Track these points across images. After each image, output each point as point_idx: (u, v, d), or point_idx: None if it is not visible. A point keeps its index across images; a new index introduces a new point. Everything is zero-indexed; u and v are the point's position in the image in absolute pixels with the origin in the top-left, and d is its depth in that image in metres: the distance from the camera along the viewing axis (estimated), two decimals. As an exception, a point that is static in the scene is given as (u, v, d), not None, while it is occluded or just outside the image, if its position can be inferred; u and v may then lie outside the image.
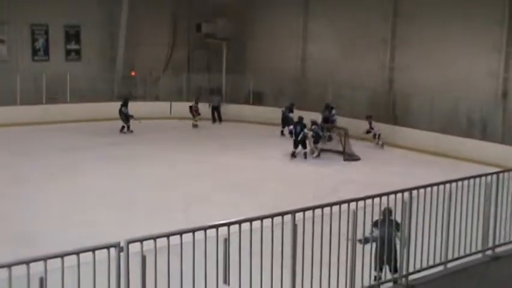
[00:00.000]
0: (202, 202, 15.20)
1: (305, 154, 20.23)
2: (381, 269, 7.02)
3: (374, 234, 8.08)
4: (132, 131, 23.73)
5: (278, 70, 27.79)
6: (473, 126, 21.90)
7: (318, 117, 23.36)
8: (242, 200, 15.03)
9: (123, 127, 23.87)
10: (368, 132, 22.94)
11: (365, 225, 6.72)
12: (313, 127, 20.83)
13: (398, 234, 7.69)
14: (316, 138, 20.84)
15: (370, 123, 22.92)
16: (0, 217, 13.55)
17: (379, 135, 22.76)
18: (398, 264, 7.27)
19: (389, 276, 7.23)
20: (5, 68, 25.38)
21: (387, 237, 7.67)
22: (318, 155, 20.80)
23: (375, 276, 6.90)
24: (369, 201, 6.69)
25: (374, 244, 7.55)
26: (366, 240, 7.64)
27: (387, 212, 8.11)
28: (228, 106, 27.13)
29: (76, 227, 12.63)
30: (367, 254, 6.84)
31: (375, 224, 8.21)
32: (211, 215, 12.40)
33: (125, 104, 24.07)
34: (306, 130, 20.35)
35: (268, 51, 28.79)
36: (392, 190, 6.88)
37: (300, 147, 20.35)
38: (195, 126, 25.76)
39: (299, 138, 20.25)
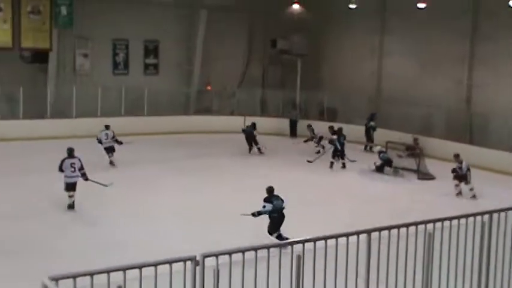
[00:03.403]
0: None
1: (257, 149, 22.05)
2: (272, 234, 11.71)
3: (266, 208, 12.32)
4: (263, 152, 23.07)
5: (353, 86, 27.57)
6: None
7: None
8: (315, 216, 14.82)
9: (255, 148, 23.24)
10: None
11: (442, 248, 6.45)
12: (381, 155, 20.87)
13: (284, 204, 12.58)
14: (389, 163, 20.73)
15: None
16: (88, 224, 13.99)
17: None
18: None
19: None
20: (88, 81, 26.36)
21: (279, 208, 12.39)
22: (398, 173, 20.66)
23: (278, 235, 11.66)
24: (446, 223, 6.46)
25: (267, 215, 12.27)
26: (258, 213, 12.43)
27: (272, 189, 12.86)
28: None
29: (152, 238, 12.75)
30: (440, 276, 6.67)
31: (266, 200, 12.51)
32: (285, 230, 12.49)
33: (253, 126, 23.44)
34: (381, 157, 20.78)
35: (343, 68, 28.67)
36: (470, 212, 6.66)
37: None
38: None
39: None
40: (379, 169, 20.78)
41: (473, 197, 17.53)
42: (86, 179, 14.86)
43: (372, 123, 24.73)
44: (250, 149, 23.40)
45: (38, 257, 11.54)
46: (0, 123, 23.88)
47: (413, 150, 21.68)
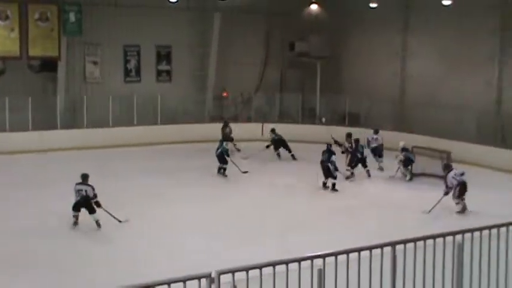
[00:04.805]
0: (298, 228, 14.34)
1: (223, 169, 19.83)
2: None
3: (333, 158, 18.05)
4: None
5: (375, 90, 26.54)
6: None
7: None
8: (340, 227, 14.40)
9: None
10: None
11: (472, 260, 6.09)
12: (403, 153, 19.66)
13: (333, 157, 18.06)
14: (407, 162, 19.63)
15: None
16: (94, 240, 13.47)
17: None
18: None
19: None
20: (98, 89, 25.66)
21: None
22: (411, 179, 19.62)
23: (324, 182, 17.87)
24: (476, 233, 6.10)
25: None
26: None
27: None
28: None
29: (166, 254, 12.17)
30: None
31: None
32: (307, 242, 12.09)
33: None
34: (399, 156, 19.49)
35: (365, 70, 27.61)
36: (506, 221, 6.07)
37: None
38: None
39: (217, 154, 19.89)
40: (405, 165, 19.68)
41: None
42: (98, 206, 13.94)
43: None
44: (279, 155, 22.71)
45: (49, 272, 11.34)
46: (9, 135, 23.19)
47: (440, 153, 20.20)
